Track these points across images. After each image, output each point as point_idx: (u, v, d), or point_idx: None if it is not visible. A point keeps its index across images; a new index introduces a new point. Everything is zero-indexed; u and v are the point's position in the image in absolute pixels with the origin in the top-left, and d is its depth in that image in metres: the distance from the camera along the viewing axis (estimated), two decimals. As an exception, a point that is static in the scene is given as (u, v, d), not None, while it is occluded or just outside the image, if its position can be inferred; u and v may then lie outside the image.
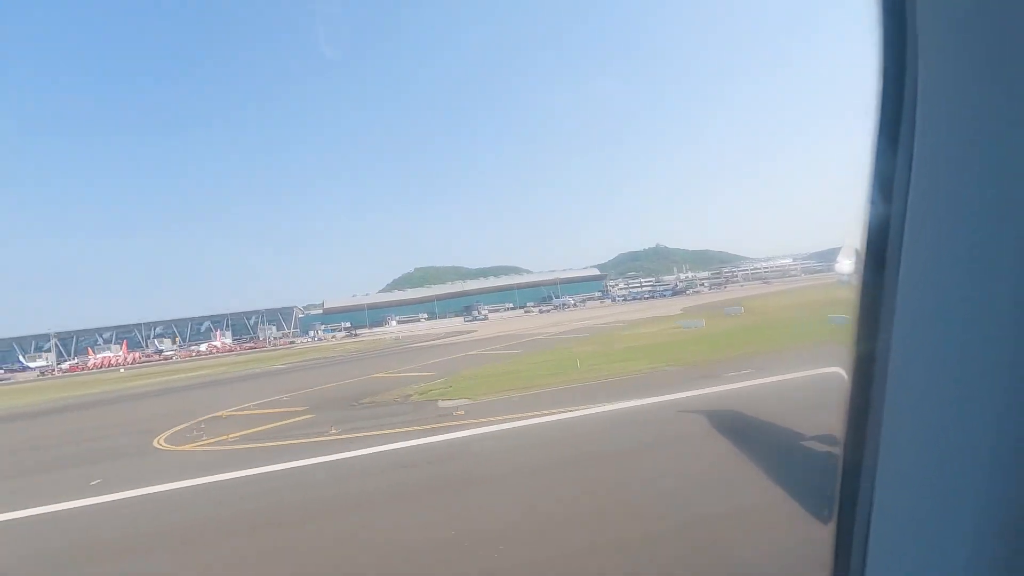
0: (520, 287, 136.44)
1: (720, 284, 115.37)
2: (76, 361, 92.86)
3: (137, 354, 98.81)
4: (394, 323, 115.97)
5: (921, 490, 1.19)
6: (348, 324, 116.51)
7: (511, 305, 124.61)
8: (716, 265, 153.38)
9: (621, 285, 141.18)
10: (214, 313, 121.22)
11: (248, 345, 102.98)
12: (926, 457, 1.17)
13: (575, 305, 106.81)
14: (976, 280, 1.06)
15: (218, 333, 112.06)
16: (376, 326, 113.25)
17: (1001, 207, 1.03)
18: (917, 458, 1.18)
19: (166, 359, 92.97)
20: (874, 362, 1.23)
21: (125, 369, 76.60)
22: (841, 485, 1.37)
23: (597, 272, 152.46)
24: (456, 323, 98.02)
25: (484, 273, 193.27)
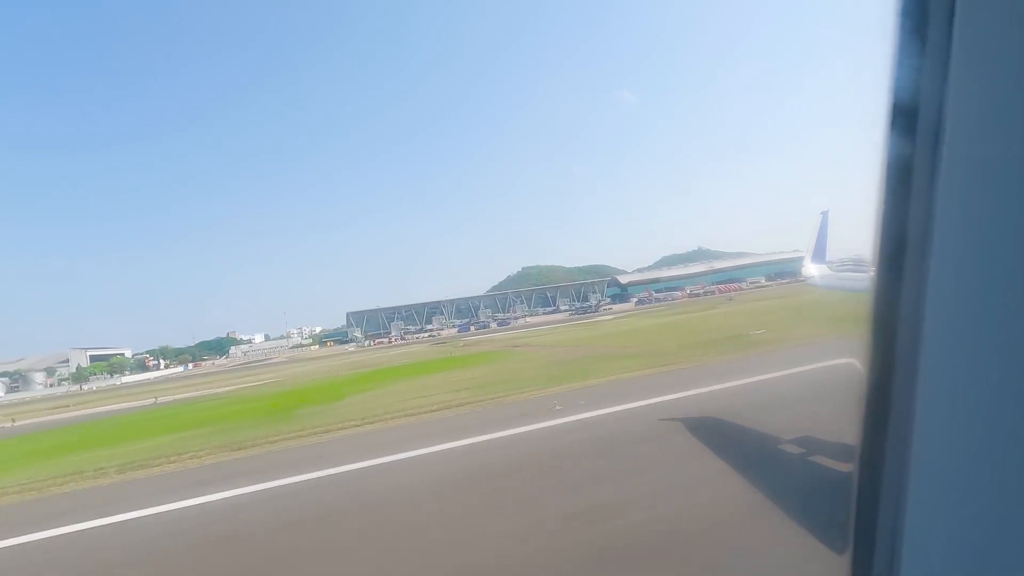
0: (747, 266, 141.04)
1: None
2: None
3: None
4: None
5: (962, 510, 1.04)
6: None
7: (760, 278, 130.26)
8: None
9: None
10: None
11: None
12: (970, 475, 1.04)
13: None
14: (1017, 280, 0.99)
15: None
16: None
17: None
18: (957, 476, 1.05)
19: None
20: (898, 369, 1.12)
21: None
22: (857, 507, 1.22)
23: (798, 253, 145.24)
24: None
25: (582, 272, 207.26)
